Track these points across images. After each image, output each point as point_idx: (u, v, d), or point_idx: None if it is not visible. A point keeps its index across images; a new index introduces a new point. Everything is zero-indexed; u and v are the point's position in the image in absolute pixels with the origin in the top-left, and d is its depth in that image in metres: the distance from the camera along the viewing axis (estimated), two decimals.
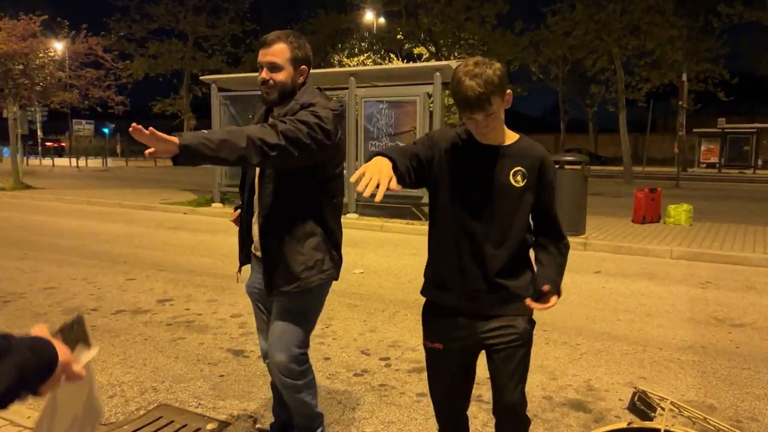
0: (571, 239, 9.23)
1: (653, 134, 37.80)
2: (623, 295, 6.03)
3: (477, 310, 2.02)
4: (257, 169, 2.44)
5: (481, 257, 1.98)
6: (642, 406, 1.76)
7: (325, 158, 2.32)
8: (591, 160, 11.18)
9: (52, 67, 17.12)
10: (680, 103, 20.47)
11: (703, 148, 36.68)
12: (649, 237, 9.08)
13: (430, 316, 2.15)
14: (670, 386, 3.75)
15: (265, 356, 2.67)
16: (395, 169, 1.75)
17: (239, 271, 2.69)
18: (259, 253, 2.49)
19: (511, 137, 2.03)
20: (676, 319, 5.21)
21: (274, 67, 2.30)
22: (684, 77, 20.07)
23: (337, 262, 2.50)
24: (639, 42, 20.40)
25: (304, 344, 2.49)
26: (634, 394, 1.78)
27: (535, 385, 3.70)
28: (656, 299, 5.87)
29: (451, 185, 1.99)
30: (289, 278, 2.35)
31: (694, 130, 35.94)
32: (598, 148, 45.81)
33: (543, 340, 4.53)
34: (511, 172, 1.97)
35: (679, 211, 10.38)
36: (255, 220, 2.48)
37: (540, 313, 2.17)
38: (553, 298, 1.93)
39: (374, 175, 1.66)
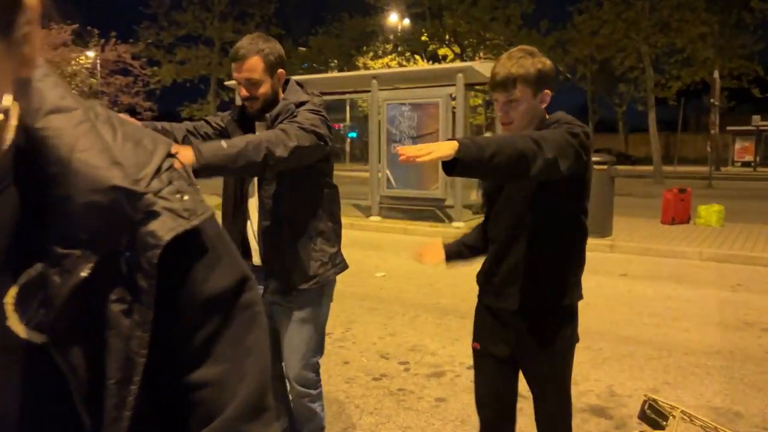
0: (597, 241, 8.88)
1: (685, 133, 37.09)
2: (649, 298, 5.91)
3: (511, 313, 2.02)
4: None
5: (525, 257, 1.97)
6: (652, 414, 1.72)
7: (325, 152, 2.28)
8: (621, 160, 11.01)
9: (84, 75, 17.53)
10: (712, 100, 19.99)
11: (737, 146, 35.81)
12: (678, 238, 8.88)
13: (478, 316, 2.15)
14: (696, 392, 3.66)
15: None
16: None
17: None
18: (257, 262, 2.35)
19: None
20: (704, 323, 5.08)
21: (252, 84, 2.24)
22: (716, 74, 19.60)
23: (341, 253, 2.49)
24: (669, 40, 19.99)
25: (318, 351, 2.48)
26: (645, 402, 1.74)
27: None
28: (684, 302, 5.74)
29: (493, 191, 2.02)
30: (307, 276, 2.33)
31: (728, 128, 35.04)
32: (629, 147, 45.03)
33: None
34: None
35: (709, 212, 10.13)
36: (252, 226, 2.36)
37: None
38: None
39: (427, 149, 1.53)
